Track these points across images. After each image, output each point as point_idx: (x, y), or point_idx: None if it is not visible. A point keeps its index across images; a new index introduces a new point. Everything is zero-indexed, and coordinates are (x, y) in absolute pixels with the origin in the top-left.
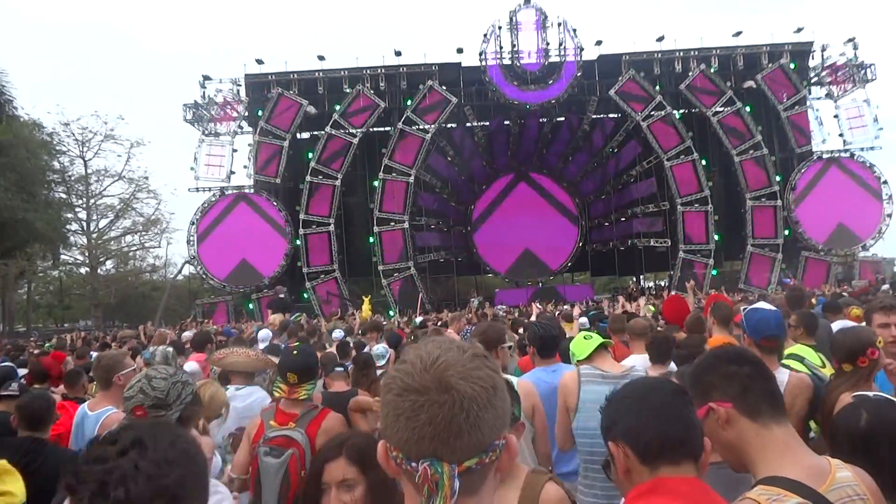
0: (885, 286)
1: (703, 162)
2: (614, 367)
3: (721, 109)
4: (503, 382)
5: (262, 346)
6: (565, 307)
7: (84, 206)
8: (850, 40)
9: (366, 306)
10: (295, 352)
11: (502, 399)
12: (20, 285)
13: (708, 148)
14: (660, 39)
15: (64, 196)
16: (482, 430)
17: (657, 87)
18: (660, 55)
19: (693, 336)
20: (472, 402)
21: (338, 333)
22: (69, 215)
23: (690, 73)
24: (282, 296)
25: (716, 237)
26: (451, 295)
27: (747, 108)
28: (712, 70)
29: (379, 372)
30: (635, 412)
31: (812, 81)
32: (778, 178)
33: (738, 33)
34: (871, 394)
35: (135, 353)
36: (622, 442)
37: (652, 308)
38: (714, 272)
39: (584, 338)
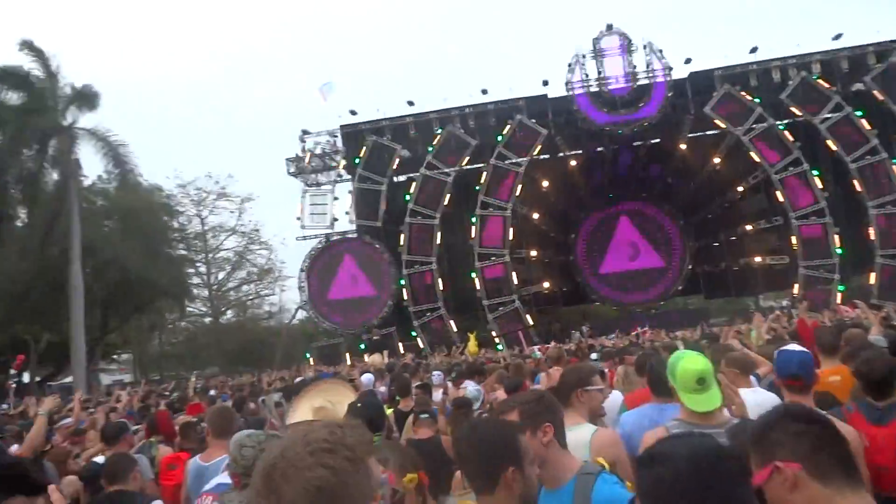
0: None
1: (815, 172)
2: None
3: (829, 116)
4: (344, 479)
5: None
6: (675, 334)
7: (203, 260)
8: None
9: (472, 342)
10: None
11: (336, 498)
12: (152, 337)
13: (818, 157)
14: (753, 51)
15: (184, 252)
16: None
17: (755, 100)
18: (755, 66)
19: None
20: None
21: (436, 376)
22: (191, 270)
23: (790, 83)
24: (376, 338)
25: (838, 251)
26: (560, 326)
27: (857, 113)
28: (814, 77)
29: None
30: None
31: None
32: None
33: (839, 36)
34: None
35: (239, 402)
36: None
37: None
38: (841, 287)
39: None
